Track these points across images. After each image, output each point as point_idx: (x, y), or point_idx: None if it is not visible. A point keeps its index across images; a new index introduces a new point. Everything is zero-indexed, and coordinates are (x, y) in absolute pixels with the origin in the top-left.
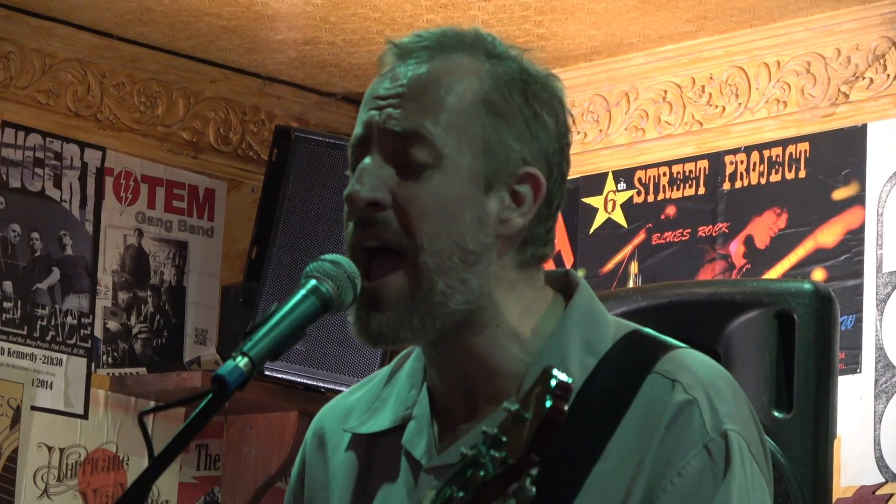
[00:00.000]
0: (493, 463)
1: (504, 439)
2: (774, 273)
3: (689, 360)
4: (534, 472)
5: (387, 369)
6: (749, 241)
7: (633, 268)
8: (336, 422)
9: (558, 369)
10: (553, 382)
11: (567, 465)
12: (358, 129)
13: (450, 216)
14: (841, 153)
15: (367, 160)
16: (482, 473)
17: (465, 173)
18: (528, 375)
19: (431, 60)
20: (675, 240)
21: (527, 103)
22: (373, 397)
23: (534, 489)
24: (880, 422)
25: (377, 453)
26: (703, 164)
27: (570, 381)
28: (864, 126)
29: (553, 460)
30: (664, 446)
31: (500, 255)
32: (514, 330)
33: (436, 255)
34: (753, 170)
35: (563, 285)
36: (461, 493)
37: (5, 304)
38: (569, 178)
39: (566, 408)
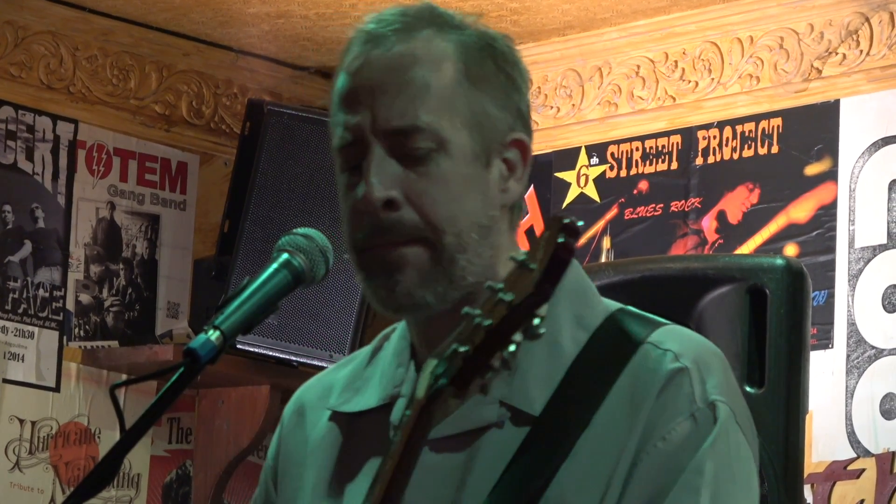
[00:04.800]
0: (498, 307)
1: (504, 287)
2: (747, 248)
3: (679, 334)
4: (542, 311)
5: (368, 349)
6: (721, 216)
7: (606, 243)
8: (317, 398)
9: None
10: (560, 224)
11: (557, 431)
12: (346, 134)
13: (461, 197)
14: (813, 129)
15: (371, 158)
16: (487, 323)
17: (467, 152)
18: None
19: (404, 43)
20: (648, 215)
21: (499, 68)
22: (354, 376)
23: (543, 329)
24: (852, 397)
25: (361, 430)
26: (676, 139)
27: (580, 223)
28: (837, 102)
29: (543, 426)
30: (654, 412)
31: (503, 223)
32: None
33: (457, 235)
34: (726, 145)
35: None
36: (464, 348)
37: None
38: (542, 152)
39: (575, 244)
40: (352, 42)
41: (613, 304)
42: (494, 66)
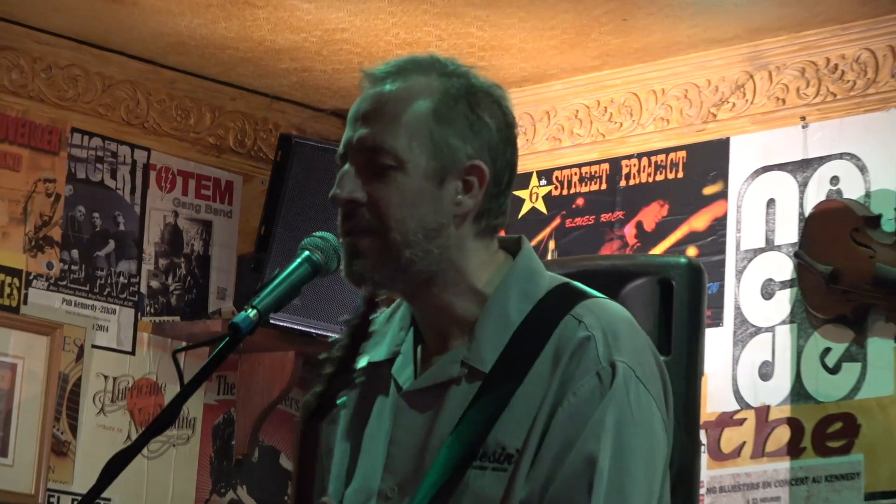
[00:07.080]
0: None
1: None
2: (658, 250)
3: (597, 306)
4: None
5: (390, 308)
6: (639, 225)
7: (552, 245)
8: None
9: (501, 312)
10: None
11: (499, 386)
12: (341, 147)
13: (411, 205)
14: (710, 159)
15: (346, 168)
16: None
17: (421, 172)
18: (479, 319)
19: (393, 83)
20: (584, 224)
21: (471, 109)
22: (380, 331)
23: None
24: (737, 363)
25: (375, 377)
26: (606, 166)
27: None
28: (728, 139)
29: (491, 381)
30: (566, 373)
31: (457, 228)
32: (470, 285)
33: (402, 233)
34: (643, 171)
35: (514, 248)
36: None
37: (73, 267)
38: None
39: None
40: (362, 80)
41: (558, 279)
42: (466, 107)
